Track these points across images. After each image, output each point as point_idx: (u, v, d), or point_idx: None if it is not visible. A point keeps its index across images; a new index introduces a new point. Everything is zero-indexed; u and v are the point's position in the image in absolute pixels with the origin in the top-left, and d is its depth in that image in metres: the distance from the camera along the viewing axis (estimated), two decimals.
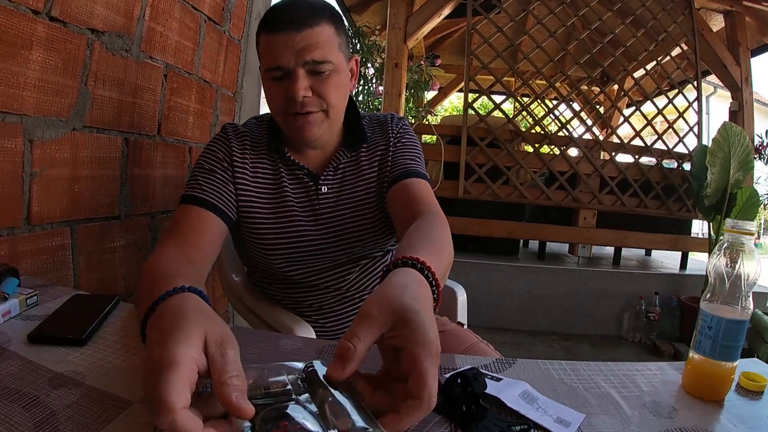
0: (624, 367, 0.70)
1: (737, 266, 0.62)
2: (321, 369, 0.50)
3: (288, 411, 0.45)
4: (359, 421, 0.43)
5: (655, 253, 4.57)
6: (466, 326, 1.24)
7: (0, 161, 0.92)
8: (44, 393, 0.53)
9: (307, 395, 0.48)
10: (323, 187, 1.04)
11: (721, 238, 0.65)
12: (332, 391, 0.47)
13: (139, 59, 1.27)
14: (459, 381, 0.54)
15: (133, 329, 0.72)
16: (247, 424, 0.43)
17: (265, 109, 1.85)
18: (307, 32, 0.89)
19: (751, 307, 0.62)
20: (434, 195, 1.03)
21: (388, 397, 0.49)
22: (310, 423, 0.43)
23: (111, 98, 1.19)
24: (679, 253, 3.93)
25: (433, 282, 0.60)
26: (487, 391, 0.56)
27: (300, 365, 0.53)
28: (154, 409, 0.40)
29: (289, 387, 0.49)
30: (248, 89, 1.94)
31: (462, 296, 1.35)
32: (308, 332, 1.04)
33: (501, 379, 0.62)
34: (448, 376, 0.55)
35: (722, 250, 0.63)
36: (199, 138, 1.63)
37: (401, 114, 4.00)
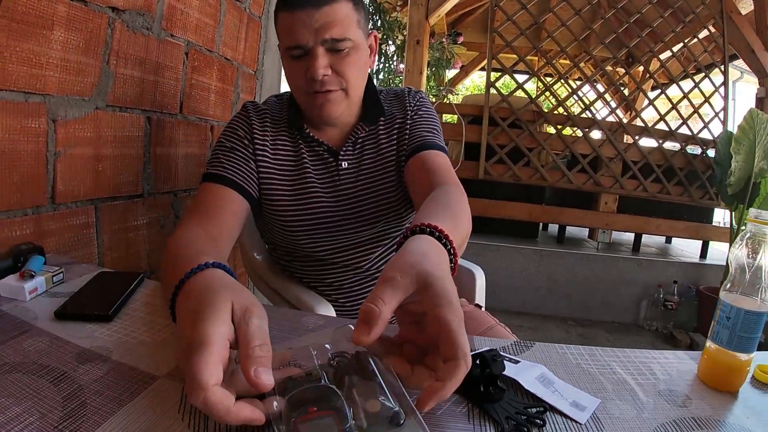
0: (640, 354, 0.70)
1: (759, 257, 0.61)
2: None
3: (315, 394, 0.45)
4: (388, 403, 0.44)
5: (675, 241, 4.50)
6: (483, 309, 1.25)
7: (24, 141, 0.94)
8: (72, 368, 0.54)
9: (333, 375, 0.48)
10: (343, 163, 1.05)
11: (743, 228, 0.64)
12: (363, 367, 0.47)
13: (160, 37, 1.28)
14: (477, 362, 0.55)
15: (158, 306, 0.74)
16: (277, 408, 0.44)
17: (285, 86, 1.85)
18: (326, 9, 0.89)
19: None
20: (452, 167, 1.02)
21: (427, 372, 0.49)
22: (338, 405, 0.43)
23: (133, 77, 1.20)
24: (700, 241, 3.86)
25: (451, 250, 0.59)
26: (504, 372, 0.57)
27: (327, 337, 0.53)
28: (187, 387, 0.42)
29: (317, 370, 0.49)
30: (269, 66, 1.94)
31: (481, 278, 1.35)
32: (328, 310, 1.05)
33: (519, 362, 0.63)
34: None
35: (744, 240, 0.62)
36: (221, 116, 1.64)
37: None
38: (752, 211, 0.63)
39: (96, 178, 1.13)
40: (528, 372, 0.60)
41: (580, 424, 0.52)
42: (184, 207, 1.49)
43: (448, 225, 0.62)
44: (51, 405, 0.47)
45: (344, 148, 1.05)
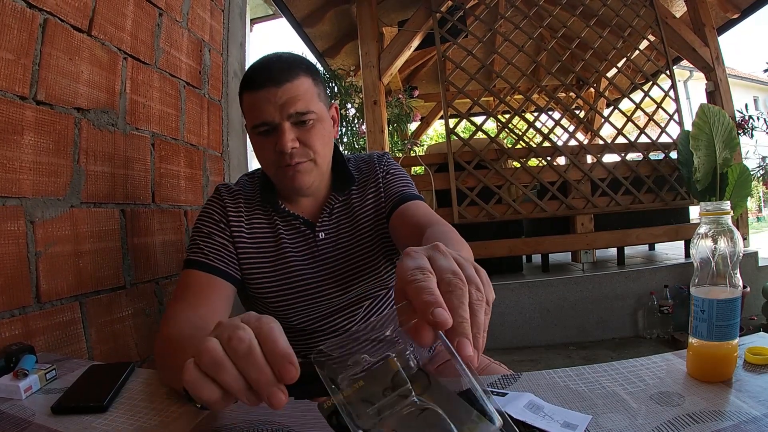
0: (628, 364, 0.71)
1: (719, 247, 0.63)
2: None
3: None
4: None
5: (658, 246, 4.56)
6: None
7: (5, 244, 0.96)
8: None
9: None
10: (320, 234, 1.07)
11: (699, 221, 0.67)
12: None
13: (126, 132, 1.32)
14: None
15: (151, 392, 0.75)
16: None
17: (253, 164, 1.89)
18: (287, 86, 0.94)
19: (740, 283, 0.63)
20: (433, 210, 1.06)
21: None
22: None
23: (104, 172, 1.23)
24: (682, 241, 3.90)
25: None
26: None
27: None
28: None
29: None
30: (234, 147, 1.98)
31: None
32: None
33: (506, 394, 0.63)
34: None
35: (701, 234, 0.65)
36: (193, 201, 1.67)
37: (386, 149, 4.05)
38: (702, 206, 0.66)
39: (78, 274, 1.14)
40: (516, 402, 0.60)
41: None
42: (167, 294, 1.49)
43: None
44: None
45: (320, 219, 1.08)
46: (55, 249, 1.08)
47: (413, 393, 0.41)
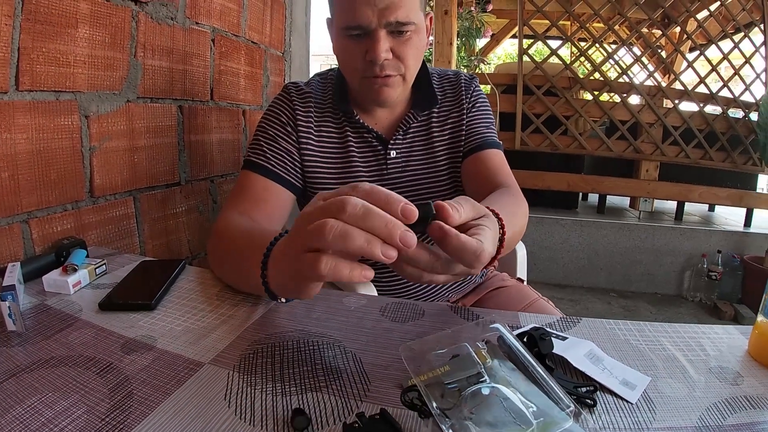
0: (689, 329, 0.68)
1: None
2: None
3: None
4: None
5: (718, 209, 4.31)
6: (525, 282, 1.22)
7: (59, 138, 0.96)
8: (117, 359, 0.55)
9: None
10: (392, 152, 1.02)
11: None
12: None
13: (185, 26, 1.28)
14: (525, 340, 0.53)
15: (201, 291, 0.76)
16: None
17: (314, 68, 1.83)
18: None
19: None
20: (508, 165, 1.02)
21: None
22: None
23: (162, 67, 1.21)
24: (744, 209, 3.67)
25: (502, 237, 0.61)
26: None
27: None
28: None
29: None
30: (296, 47, 1.93)
31: (522, 252, 1.32)
32: (370, 290, 1.04)
33: (566, 338, 0.61)
34: (515, 333, 0.54)
35: None
36: (252, 100, 1.65)
37: (453, 63, 3.85)
38: None
39: (132, 169, 1.15)
40: (576, 349, 0.58)
41: (631, 403, 0.50)
42: (221, 192, 1.51)
43: (506, 216, 0.63)
44: (98, 397, 0.48)
45: (394, 137, 1.01)
46: (109, 144, 1.08)
47: (489, 380, 0.44)
